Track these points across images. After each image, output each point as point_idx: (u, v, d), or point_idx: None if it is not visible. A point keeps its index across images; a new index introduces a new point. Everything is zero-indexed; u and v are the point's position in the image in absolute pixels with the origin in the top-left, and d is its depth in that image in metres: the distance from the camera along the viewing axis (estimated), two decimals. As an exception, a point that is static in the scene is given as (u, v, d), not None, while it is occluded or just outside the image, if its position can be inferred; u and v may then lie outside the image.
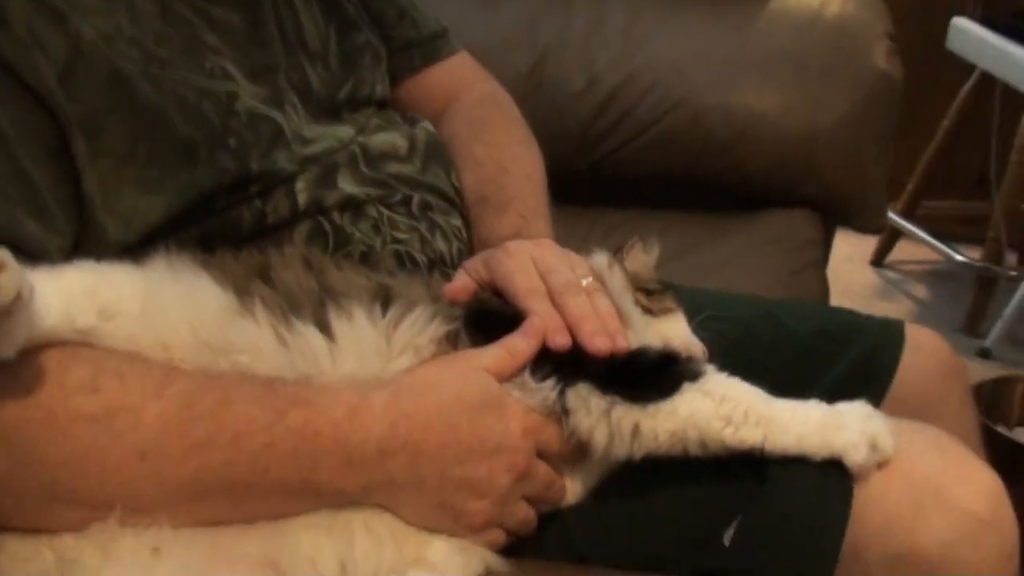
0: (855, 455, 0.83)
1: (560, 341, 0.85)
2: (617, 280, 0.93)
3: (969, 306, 2.79)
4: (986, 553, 0.84)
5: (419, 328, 0.85)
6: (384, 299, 0.86)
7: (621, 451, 0.84)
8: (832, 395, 0.87)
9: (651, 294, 0.97)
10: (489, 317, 0.89)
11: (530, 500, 0.85)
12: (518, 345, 0.85)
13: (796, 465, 0.84)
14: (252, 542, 0.76)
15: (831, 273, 1.98)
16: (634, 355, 0.86)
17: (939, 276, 3.14)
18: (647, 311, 0.95)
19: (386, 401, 0.79)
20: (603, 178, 1.66)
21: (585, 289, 0.89)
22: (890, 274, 3.19)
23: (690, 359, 0.88)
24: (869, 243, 3.20)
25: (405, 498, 0.81)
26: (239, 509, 0.77)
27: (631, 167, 1.64)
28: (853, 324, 1.20)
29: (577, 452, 0.87)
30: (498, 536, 0.84)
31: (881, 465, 0.84)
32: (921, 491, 0.85)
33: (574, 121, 1.63)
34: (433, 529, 0.82)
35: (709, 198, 1.66)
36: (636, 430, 0.82)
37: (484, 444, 0.80)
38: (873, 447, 0.83)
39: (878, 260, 3.20)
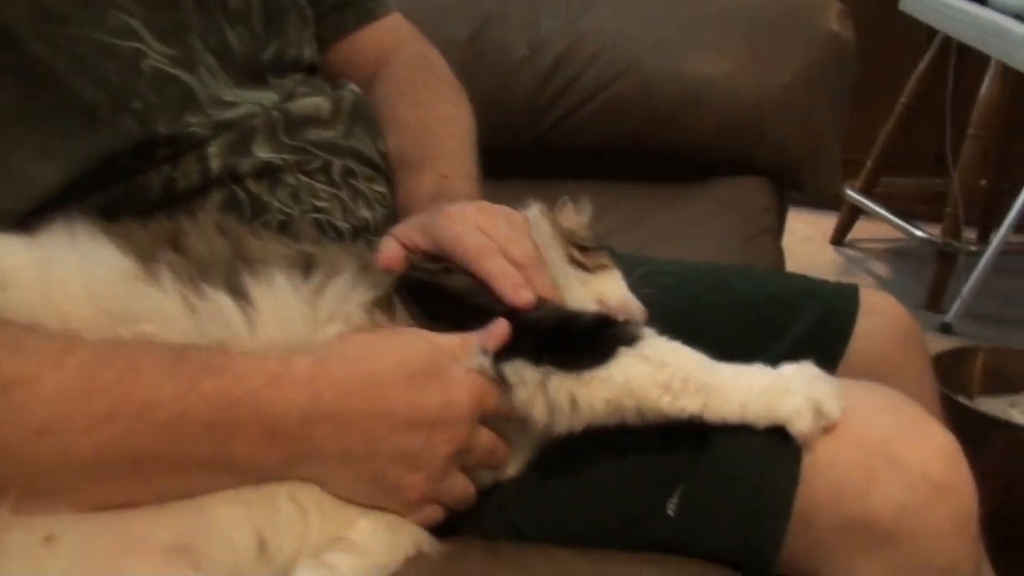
0: (800, 423, 0.78)
1: (525, 296, 0.80)
2: (545, 232, 0.88)
3: (930, 282, 2.78)
4: (942, 518, 0.80)
5: (346, 294, 0.80)
6: (306, 265, 0.80)
7: (561, 424, 0.79)
8: (787, 361, 0.83)
9: (585, 251, 0.92)
10: (425, 286, 0.83)
11: (470, 469, 0.80)
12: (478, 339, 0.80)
13: (741, 431, 0.79)
14: (161, 525, 0.70)
15: (790, 254, 1.95)
16: (567, 320, 0.81)
17: (899, 253, 3.14)
18: (581, 267, 0.91)
19: (311, 367, 0.74)
20: (551, 149, 1.61)
21: (518, 233, 0.86)
22: (850, 252, 3.18)
23: (627, 322, 0.83)
24: (828, 222, 3.19)
25: (333, 471, 0.75)
26: (149, 488, 0.72)
27: (579, 137, 1.59)
28: (807, 289, 1.16)
29: (516, 423, 0.81)
30: (434, 512, 0.79)
31: (829, 429, 0.80)
32: (874, 454, 0.80)
33: (518, 90, 1.58)
34: (364, 504, 0.76)
35: (660, 167, 1.61)
36: (573, 401, 0.77)
37: (423, 415, 0.75)
38: (819, 413, 0.79)
39: (838, 239, 3.19)
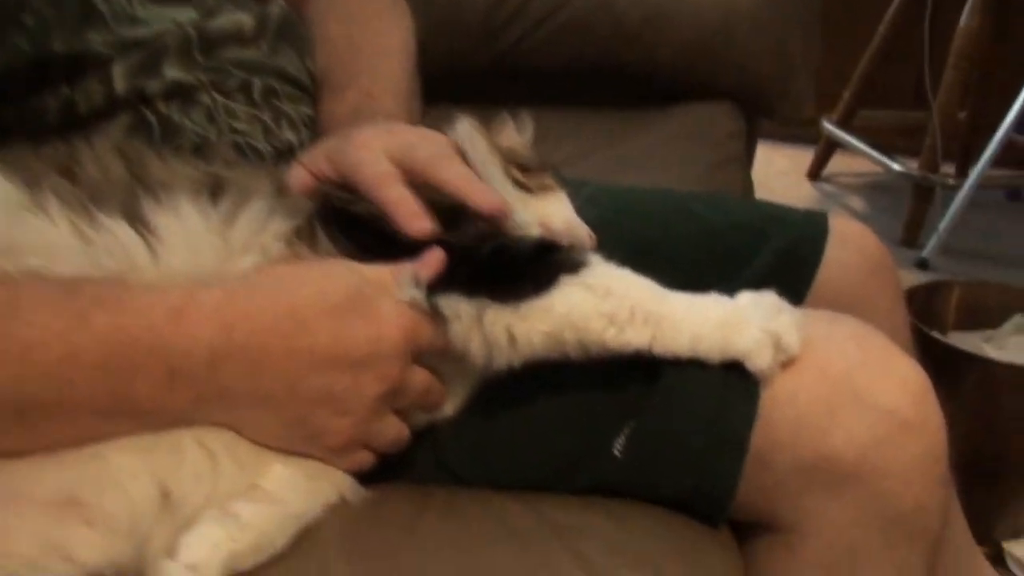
0: (757, 357, 0.72)
1: (418, 226, 0.72)
2: (480, 149, 0.80)
3: (906, 217, 2.73)
4: (910, 456, 0.74)
5: (261, 223, 0.72)
6: (213, 189, 0.73)
7: (500, 360, 0.72)
8: (751, 292, 0.76)
9: (527, 171, 0.85)
10: (345, 214, 0.76)
11: (404, 411, 0.73)
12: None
13: (695, 365, 0.73)
14: (48, 476, 0.63)
15: (766, 188, 1.87)
16: (505, 247, 0.73)
17: (877, 188, 3.09)
18: (523, 188, 0.83)
19: (219, 300, 0.67)
20: (508, 73, 1.52)
21: (448, 157, 0.77)
22: (827, 187, 3.13)
23: (571, 248, 0.76)
24: (805, 156, 3.13)
25: (248, 415, 0.68)
26: (36, 436, 0.64)
27: (537, 59, 1.51)
28: (774, 216, 1.09)
29: (452, 359, 0.74)
30: (364, 457, 0.72)
31: (789, 363, 0.74)
32: (836, 389, 0.74)
33: (471, 11, 1.49)
34: (285, 450, 0.70)
35: (623, 92, 1.53)
36: (510, 335, 0.70)
37: (349, 352, 0.68)
38: (777, 346, 0.72)
39: (814, 173, 3.13)
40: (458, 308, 0.71)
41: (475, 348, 0.72)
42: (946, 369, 1.46)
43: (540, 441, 0.78)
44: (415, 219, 0.72)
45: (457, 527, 0.70)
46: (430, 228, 0.72)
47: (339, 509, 0.70)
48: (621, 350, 0.71)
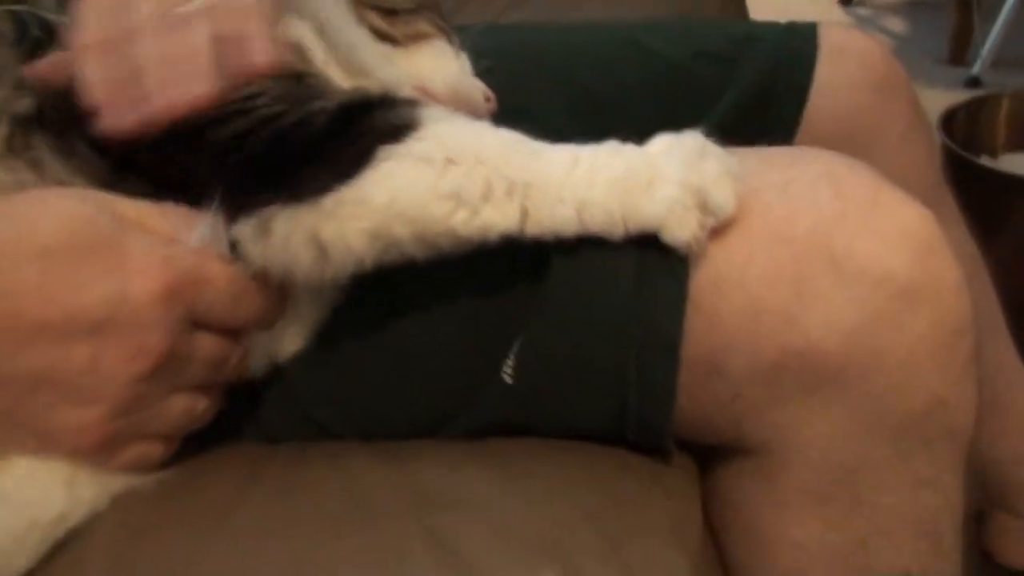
0: (675, 227, 0.51)
1: (114, 122, 0.51)
2: None
3: (951, 32, 2.42)
4: (916, 336, 0.52)
5: None
6: None
7: (310, 274, 0.51)
8: (725, 136, 0.55)
9: (394, 14, 0.63)
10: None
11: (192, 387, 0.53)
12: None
13: (592, 247, 0.52)
14: None
15: (793, 19, 1.58)
16: (287, 128, 0.51)
17: (916, 6, 2.78)
18: (387, 38, 0.62)
19: None
20: None
21: (181, 19, 0.53)
22: (861, 11, 2.82)
23: (391, 103, 0.53)
24: (834, -21, 2.81)
25: None
26: None
27: None
28: (747, 36, 0.86)
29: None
30: (144, 451, 0.52)
31: (724, 227, 0.52)
32: (803, 254, 0.53)
33: None
34: (14, 454, 0.50)
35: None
36: (317, 243, 0.50)
37: (77, 316, 0.46)
38: (703, 206, 0.51)
39: (846, -4, 2.83)
40: (236, 227, 0.50)
41: (276, 265, 0.51)
42: (994, 199, 1.22)
43: (410, 376, 0.58)
44: (110, 111, 0.50)
45: (283, 510, 0.51)
46: (123, 123, 0.50)
47: (125, 499, 0.50)
48: (483, 238, 0.50)
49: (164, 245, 0.48)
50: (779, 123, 0.84)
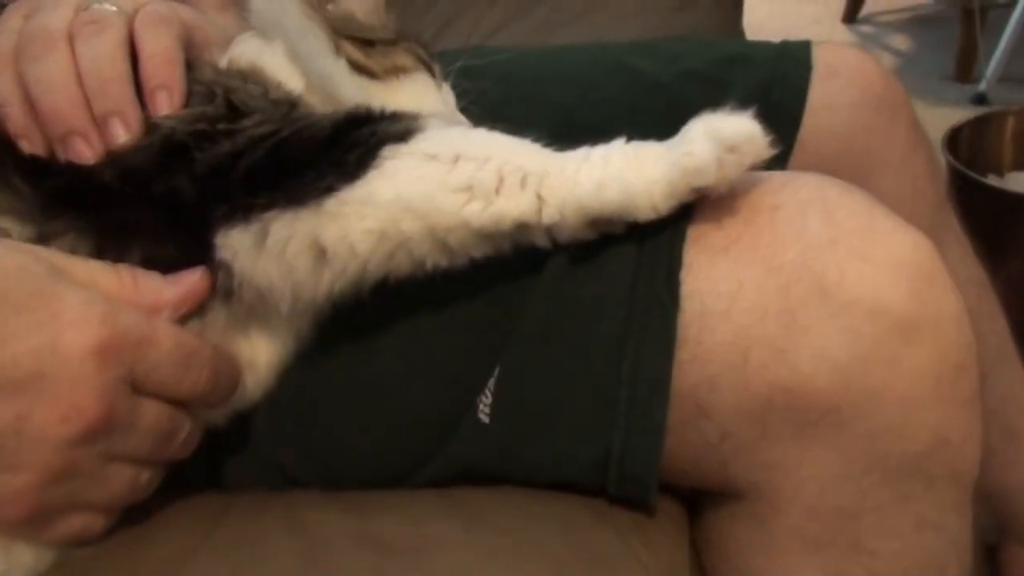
0: (712, 166, 0.48)
1: (33, 149, 0.49)
2: (293, 14, 0.56)
3: (957, 49, 2.39)
4: (914, 372, 0.49)
5: None
6: None
7: (310, 291, 0.48)
8: None
9: (370, 45, 0.60)
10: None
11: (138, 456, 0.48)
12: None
13: (579, 274, 0.48)
14: None
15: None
16: (287, 136, 0.49)
17: (921, 22, 2.74)
18: (363, 71, 0.59)
19: None
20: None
21: (95, 21, 0.50)
22: (866, 29, 2.79)
23: (396, 115, 0.51)
24: (838, 0, 2.79)
25: None
26: None
27: None
28: (738, 56, 0.83)
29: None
30: (82, 523, 0.47)
31: (710, 254, 0.49)
32: (793, 286, 0.49)
33: None
34: None
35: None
36: (317, 247, 0.47)
37: (5, 369, 0.42)
38: (730, 147, 0.49)
39: (850, 16, 2.80)
40: (233, 238, 0.47)
41: (272, 282, 0.48)
42: (1001, 219, 1.18)
43: (378, 415, 0.54)
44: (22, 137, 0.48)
45: (234, 570, 0.47)
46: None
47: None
48: (497, 229, 0.48)
49: (104, 301, 0.45)
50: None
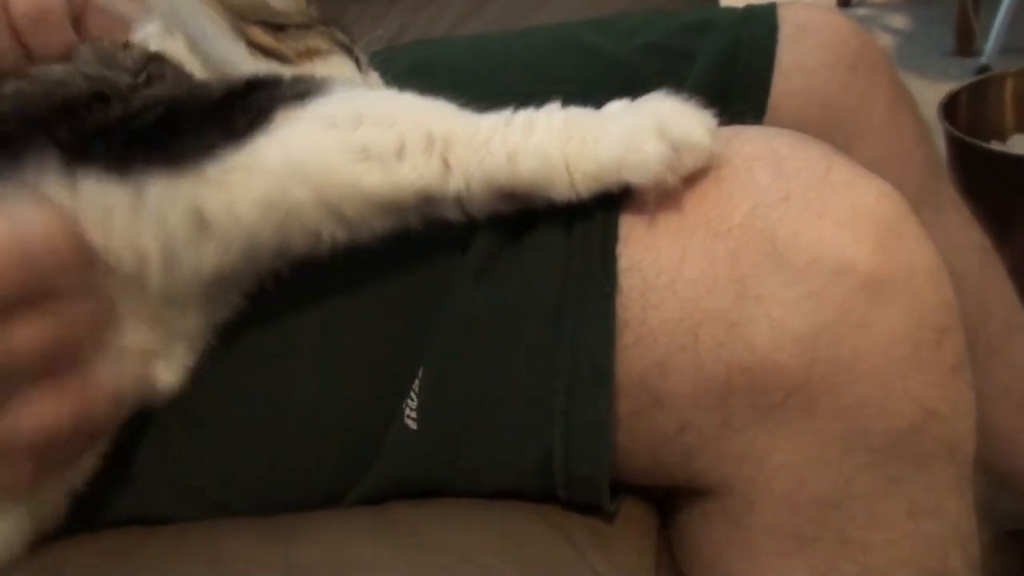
0: (639, 161, 0.43)
1: None
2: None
3: (956, 22, 2.33)
4: (888, 337, 0.43)
5: None
6: None
7: (190, 267, 0.43)
8: None
9: (281, 30, 0.56)
10: None
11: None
12: None
13: (507, 256, 0.43)
14: None
15: None
16: (181, 97, 0.44)
17: (916, 0, 2.68)
18: (273, 55, 0.54)
19: None
20: None
21: None
22: (861, 11, 2.74)
23: (299, 79, 0.46)
24: (832, -19, 2.74)
25: None
26: None
27: None
28: (699, 24, 0.77)
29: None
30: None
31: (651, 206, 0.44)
32: (743, 251, 0.43)
33: None
34: None
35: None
36: (197, 216, 0.43)
37: None
38: (667, 138, 0.43)
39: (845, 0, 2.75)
40: (108, 195, 0.42)
41: (149, 251, 0.43)
42: (1008, 186, 1.12)
43: (297, 429, 0.49)
44: None
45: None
46: None
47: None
48: (395, 198, 0.43)
49: None
50: (741, 114, 0.75)
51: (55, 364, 0.40)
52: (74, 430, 0.40)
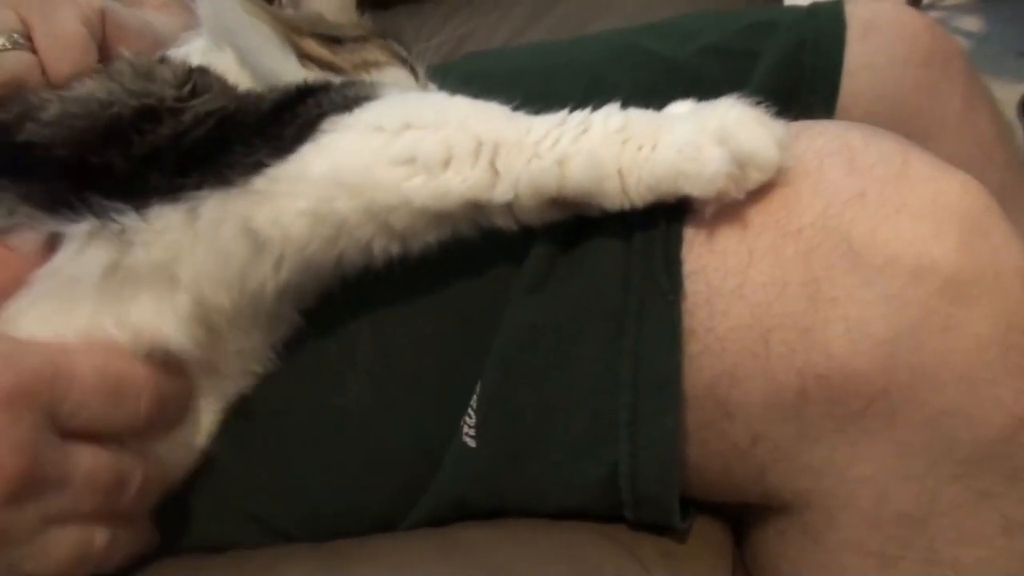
0: (696, 172, 0.41)
1: None
2: (235, 10, 0.51)
3: (1032, 21, 2.26)
4: (976, 339, 0.40)
5: None
6: None
7: (253, 281, 0.43)
8: None
9: (337, 43, 0.55)
10: None
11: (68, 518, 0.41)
12: None
13: (564, 267, 0.42)
14: None
15: None
16: (232, 111, 0.44)
17: (988, 1, 2.61)
18: (329, 68, 0.53)
19: None
20: None
21: None
22: (933, 14, 2.66)
23: (349, 84, 0.45)
24: (899, -15, 2.68)
25: None
26: None
27: None
28: (760, 24, 0.75)
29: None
30: None
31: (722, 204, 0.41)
32: (817, 251, 0.41)
33: None
34: None
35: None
36: (250, 232, 0.41)
37: None
38: (728, 147, 0.41)
39: (915, 3, 2.67)
40: (159, 219, 0.42)
41: (211, 271, 0.42)
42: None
43: (353, 452, 0.48)
44: None
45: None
46: None
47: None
48: (442, 209, 0.41)
49: (3, 339, 0.39)
50: (810, 115, 0.72)
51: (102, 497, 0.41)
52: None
